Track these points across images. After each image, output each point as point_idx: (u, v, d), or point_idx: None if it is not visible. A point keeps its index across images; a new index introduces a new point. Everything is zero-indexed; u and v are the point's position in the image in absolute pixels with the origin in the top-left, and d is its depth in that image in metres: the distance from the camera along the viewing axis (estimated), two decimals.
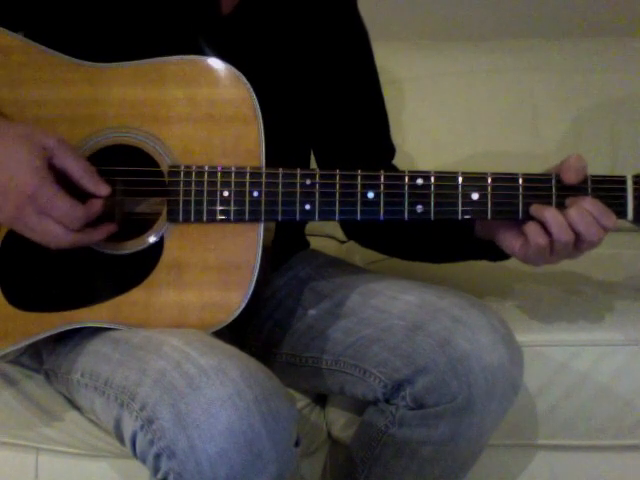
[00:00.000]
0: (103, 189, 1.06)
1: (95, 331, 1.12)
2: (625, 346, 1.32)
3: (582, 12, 2.14)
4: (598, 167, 1.76)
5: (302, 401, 1.31)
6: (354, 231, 1.39)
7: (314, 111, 1.29)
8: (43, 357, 1.24)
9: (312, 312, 1.25)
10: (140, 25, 1.17)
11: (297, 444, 1.00)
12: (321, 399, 1.35)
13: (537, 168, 1.14)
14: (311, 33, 1.27)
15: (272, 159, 1.10)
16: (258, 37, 1.23)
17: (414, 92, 1.86)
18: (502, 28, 2.13)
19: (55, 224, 1.03)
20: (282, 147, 1.11)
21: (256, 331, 1.30)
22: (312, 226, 1.37)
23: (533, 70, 1.89)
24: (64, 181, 1.05)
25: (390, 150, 1.37)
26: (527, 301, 1.40)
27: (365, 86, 1.34)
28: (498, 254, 1.18)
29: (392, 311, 1.17)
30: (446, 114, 1.86)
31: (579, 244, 1.09)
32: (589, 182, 1.10)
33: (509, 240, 1.14)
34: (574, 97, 1.85)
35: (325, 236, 1.85)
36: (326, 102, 1.29)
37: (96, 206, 1.06)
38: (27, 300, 1.10)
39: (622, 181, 1.11)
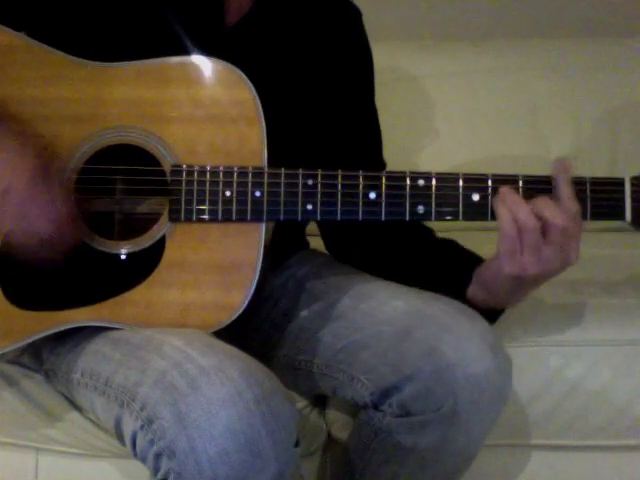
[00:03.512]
0: None
1: (95, 331, 1.12)
2: (625, 346, 1.32)
3: (582, 12, 2.13)
4: (598, 167, 1.78)
5: (302, 401, 1.31)
6: (335, 244, 1.36)
7: (309, 123, 1.28)
8: (43, 357, 1.24)
9: (304, 313, 1.25)
10: (144, 31, 1.17)
11: (297, 444, 1.00)
12: (321, 399, 1.35)
13: (537, 168, 1.13)
14: (314, 47, 1.27)
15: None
16: (261, 49, 1.23)
17: (414, 92, 1.86)
18: (502, 28, 2.13)
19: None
20: (277, 156, 1.11)
21: (254, 331, 1.30)
22: (313, 226, 1.37)
23: (533, 70, 1.88)
24: None
25: (381, 166, 1.35)
26: (527, 301, 1.39)
27: (362, 103, 1.34)
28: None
29: (380, 317, 1.16)
30: (446, 114, 1.86)
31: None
32: (587, 184, 1.10)
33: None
34: (574, 97, 1.85)
35: None
36: (322, 115, 1.28)
37: None
38: (27, 299, 1.10)
39: (620, 183, 1.11)
